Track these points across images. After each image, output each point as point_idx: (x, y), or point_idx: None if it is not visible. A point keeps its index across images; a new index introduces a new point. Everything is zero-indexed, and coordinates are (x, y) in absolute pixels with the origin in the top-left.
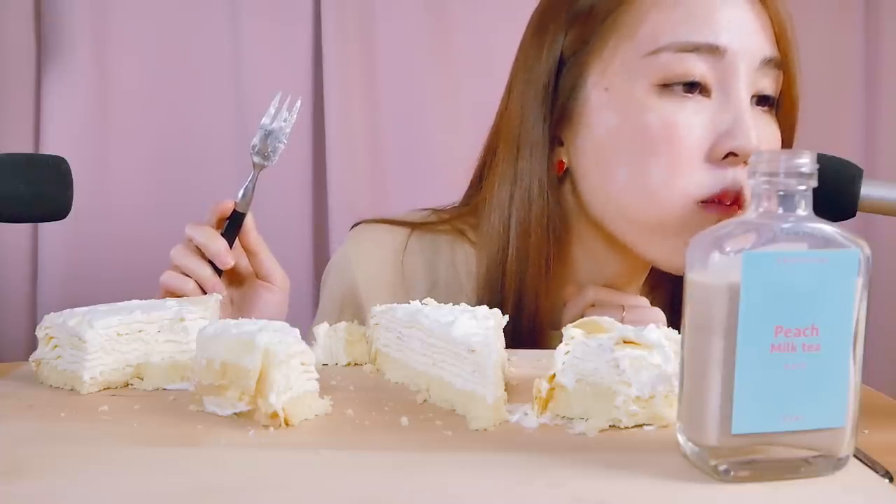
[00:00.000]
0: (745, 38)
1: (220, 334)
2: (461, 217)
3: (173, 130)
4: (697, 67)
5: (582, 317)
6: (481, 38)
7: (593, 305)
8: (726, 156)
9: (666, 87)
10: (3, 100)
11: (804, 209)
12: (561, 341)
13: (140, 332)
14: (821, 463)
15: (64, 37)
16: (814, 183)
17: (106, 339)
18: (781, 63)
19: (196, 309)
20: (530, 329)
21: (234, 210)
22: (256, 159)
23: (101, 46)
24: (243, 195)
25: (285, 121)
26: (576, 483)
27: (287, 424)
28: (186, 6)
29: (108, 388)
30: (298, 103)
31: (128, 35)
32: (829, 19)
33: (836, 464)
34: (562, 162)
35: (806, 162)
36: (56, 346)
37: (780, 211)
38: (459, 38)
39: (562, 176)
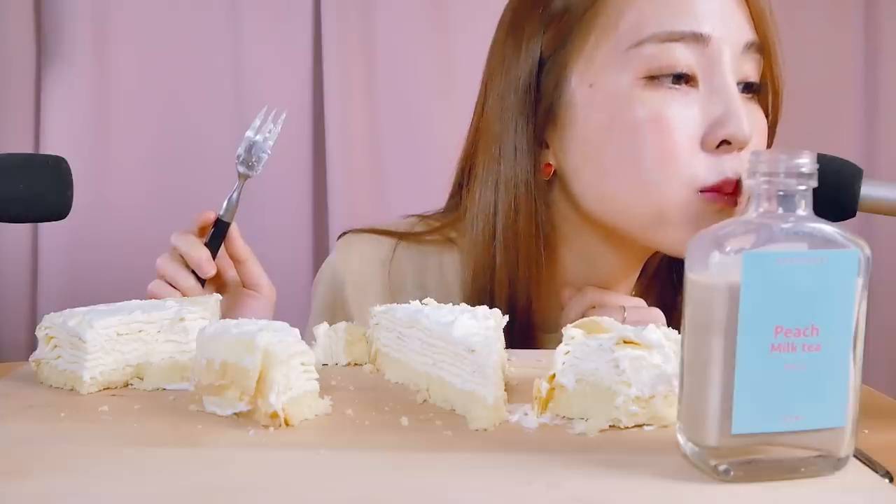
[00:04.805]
0: (726, 25)
1: (220, 334)
2: (449, 224)
3: (173, 130)
4: (683, 57)
5: (582, 318)
6: (481, 38)
7: (593, 307)
8: (720, 144)
9: (653, 79)
10: (3, 100)
11: (804, 209)
12: (554, 344)
13: (140, 332)
14: (821, 463)
15: (64, 37)
16: (814, 183)
17: (106, 339)
18: (763, 47)
19: (196, 309)
20: (522, 333)
21: (218, 219)
22: (241, 169)
23: (101, 46)
24: (227, 205)
25: (270, 132)
26: (576, 483)
27: (287, 424)
28: (186, 6)
29: (108, 388)
30: (283, 116)
31: (128, 35)
32: (829, 19)
33: (836, 464)
34: (548, 165)
35: (806, 162)
36: (56, 346)
37: (780, 211)
38: (459, 37)
39: (549, 179)
